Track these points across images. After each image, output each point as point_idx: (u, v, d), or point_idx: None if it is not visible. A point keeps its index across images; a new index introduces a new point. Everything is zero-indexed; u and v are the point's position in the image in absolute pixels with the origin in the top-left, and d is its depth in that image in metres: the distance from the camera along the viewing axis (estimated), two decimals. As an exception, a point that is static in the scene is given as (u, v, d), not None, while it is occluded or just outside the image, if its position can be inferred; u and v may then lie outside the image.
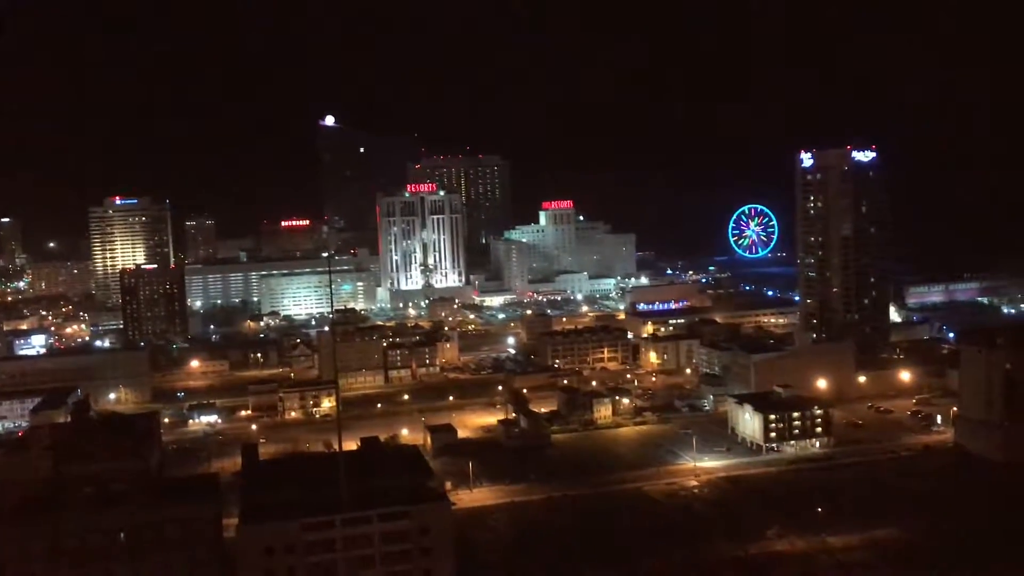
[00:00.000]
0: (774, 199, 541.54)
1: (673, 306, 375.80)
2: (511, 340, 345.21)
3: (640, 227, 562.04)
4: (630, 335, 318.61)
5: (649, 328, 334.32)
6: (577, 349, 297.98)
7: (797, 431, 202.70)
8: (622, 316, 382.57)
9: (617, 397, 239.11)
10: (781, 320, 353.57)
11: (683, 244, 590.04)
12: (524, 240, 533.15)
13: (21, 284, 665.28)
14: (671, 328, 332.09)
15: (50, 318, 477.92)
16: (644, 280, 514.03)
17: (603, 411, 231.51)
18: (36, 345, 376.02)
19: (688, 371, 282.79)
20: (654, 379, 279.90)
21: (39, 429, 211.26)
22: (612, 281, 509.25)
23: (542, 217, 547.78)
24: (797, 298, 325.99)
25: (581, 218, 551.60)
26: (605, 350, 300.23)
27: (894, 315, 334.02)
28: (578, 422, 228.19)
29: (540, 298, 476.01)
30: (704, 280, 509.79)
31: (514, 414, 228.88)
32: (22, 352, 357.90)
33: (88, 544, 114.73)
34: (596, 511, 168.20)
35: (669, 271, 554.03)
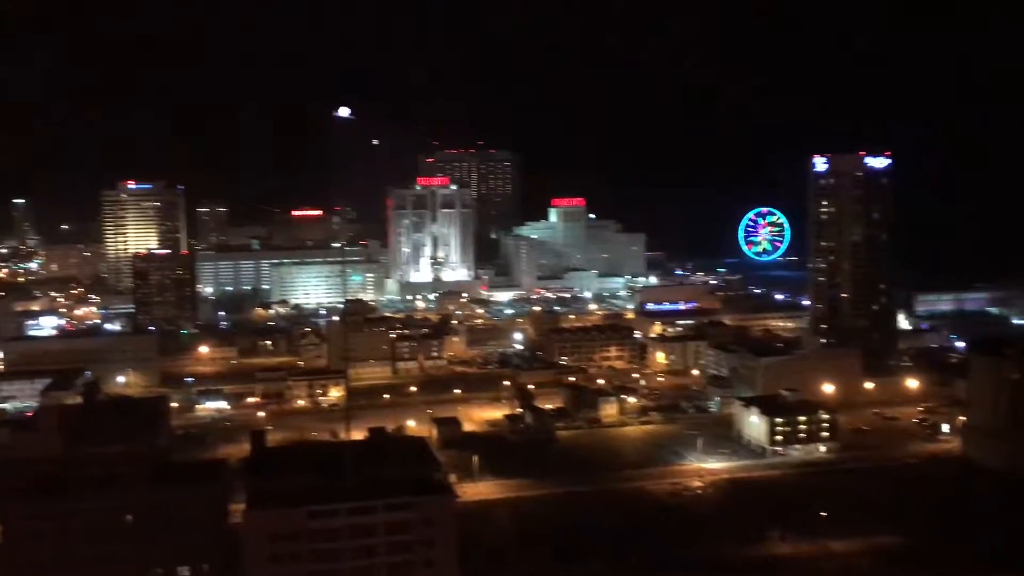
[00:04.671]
0: (787, 202, 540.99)
1: (682, 307, 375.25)
2: (518, 336, 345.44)
3: (651, 227, 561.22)
4: (638, 334, 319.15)
5: (657, 328, 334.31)
6: (584, 347, 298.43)
7: (803, 435, 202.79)
8: (630, 315, 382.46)
9: (623, 396, 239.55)
10: (790, 324, 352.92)
11: (694, 245, 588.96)
12: (534, 236, 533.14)
13: (33, 265, 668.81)
14: (679, 329, 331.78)
15: (61, 300, 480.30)
16: (653, 280, 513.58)
17: (609, 409, 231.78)
18: (47, 326, 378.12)
19: (695, 372, 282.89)
20: (661, 379, 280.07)
21: (49, 410, 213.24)
22: (621, 280, 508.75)
23: (552, 214, 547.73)
24: (806, 302, 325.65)
25: (592, 216, 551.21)
26: (612, 349, 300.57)
27: (903, 322, 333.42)
28: (583, 420, 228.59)
29: (548, 295, 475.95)
30: (714, 282, 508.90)
31: (520, 410, 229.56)
32: (33, 333, 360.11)
33: (94, 525, 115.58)
34: (599, 508, 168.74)
35: (679, 272, 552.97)
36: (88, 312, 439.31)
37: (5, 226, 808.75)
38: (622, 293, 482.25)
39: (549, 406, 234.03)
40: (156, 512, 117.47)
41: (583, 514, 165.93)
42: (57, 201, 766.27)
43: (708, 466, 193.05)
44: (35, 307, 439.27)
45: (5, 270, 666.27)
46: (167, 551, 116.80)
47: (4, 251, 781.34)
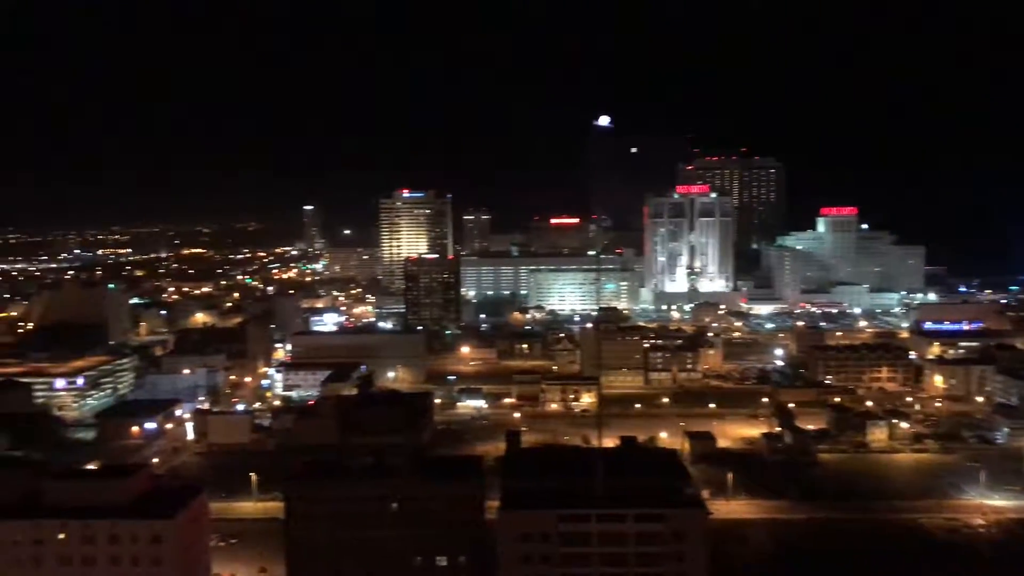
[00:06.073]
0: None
1: (965, 327, 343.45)
2: (779, 351, 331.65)
3: (931, 239, 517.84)
4: (913, 355, 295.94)
5: (936, 349, 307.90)
6: (852, 366, 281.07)
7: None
8: (905, 335, 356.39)
9: (894, 420, 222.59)
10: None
11: (981, 260, 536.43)
12: (799, 247, 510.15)
13: (319, 266, 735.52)
14: (961, 351, 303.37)
15: (341, 298, 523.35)
16: (932, 297, 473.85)
17: (877, 434, 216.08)
18: (328, 322, 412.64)
19: (979, 399, 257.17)
20: (938, 405, 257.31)
21: (328, 399, 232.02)
22: (895, 296, 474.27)
23: (820, 223, 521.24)
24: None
25: (865, 226, 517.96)
26: (883, 369, 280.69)
27: None
28: (848, 443, 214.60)
29: (813, 309, 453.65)
30: (1003, 300, 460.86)
31: (778, 428, 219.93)
32: (316, 328, 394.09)
33: (364, 510, 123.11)
34: (863, 539, 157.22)
35: (962, 288, 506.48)
36: (364, 311, 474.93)
37: (296, 231, 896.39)
38: (896, 310, 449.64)
39: (811, 426, 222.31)
40: (420, 503, 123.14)
41: (846, 543, 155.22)
42: (341, 207, 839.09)
43: (992, 503, 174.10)
44: (319, 304, 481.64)
45: (295, 270, 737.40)
46: (427, 541, 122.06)
47: (295, 253, 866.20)
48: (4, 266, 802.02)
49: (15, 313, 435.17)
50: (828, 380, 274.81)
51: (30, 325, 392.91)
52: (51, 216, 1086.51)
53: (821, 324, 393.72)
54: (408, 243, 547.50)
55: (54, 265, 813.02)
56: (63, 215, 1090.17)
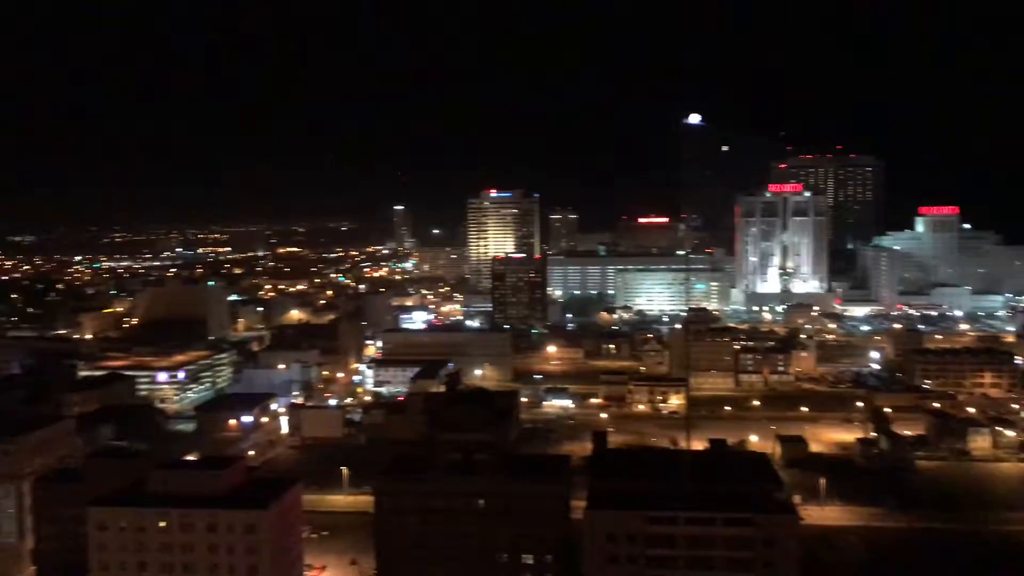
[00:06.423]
0: None
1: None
2: (874, 354, 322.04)
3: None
4: (1019, 360, 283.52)
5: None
6: (952, 370, 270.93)
7: None
8: (1010, 339, 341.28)
9: (998, 428, 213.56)
10: None
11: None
12: (896, 247, 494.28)
13: (408, 265, 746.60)
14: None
15: (430, 297, 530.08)
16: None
17: (980, 442, 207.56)
18: (417, 320, 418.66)
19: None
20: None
21: (416, 396, 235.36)
22: (1000, 298, 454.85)
23: (919, 223, 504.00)
24: None
25: (966, 226, 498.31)
26: (986, 374, 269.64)
27: None
28: (948, 451, 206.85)
29: (911, 312, 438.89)
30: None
31: (874, 433, 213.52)
32: (406, 326, 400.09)
33: (451, 506, 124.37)
34: (964, 551, 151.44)
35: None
36: (452, 309, 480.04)
37: (387, 230, 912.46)
38: (1000, 313, 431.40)
39: (908, 432, 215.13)
40: (506, 500, 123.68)
41: (945, 555, 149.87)
42: (430, 207, 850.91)
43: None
44: (408, 303, 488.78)
45: (385, 269, 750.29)
46: (513, 538, 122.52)
47: (386, 252, 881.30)
48: (110, 263, 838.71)
49: (120, 309, 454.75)
50: (927, 385, 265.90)
51: (134, 320, 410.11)
52: (154, 215, 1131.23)
53: (919, 327, 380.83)
54: (495, 242, 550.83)
55: (157, 263, 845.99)
56: (166, 214, 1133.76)
